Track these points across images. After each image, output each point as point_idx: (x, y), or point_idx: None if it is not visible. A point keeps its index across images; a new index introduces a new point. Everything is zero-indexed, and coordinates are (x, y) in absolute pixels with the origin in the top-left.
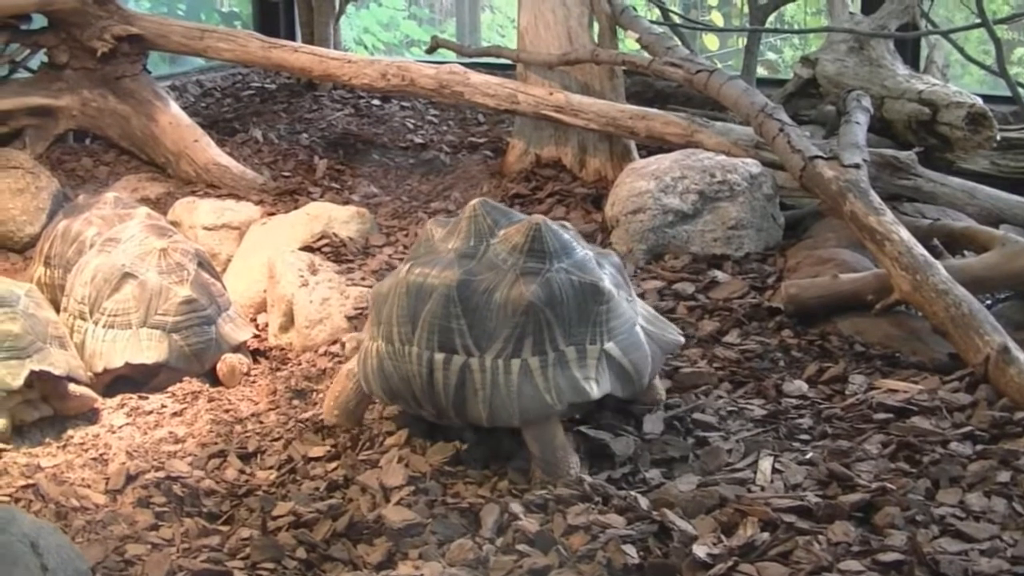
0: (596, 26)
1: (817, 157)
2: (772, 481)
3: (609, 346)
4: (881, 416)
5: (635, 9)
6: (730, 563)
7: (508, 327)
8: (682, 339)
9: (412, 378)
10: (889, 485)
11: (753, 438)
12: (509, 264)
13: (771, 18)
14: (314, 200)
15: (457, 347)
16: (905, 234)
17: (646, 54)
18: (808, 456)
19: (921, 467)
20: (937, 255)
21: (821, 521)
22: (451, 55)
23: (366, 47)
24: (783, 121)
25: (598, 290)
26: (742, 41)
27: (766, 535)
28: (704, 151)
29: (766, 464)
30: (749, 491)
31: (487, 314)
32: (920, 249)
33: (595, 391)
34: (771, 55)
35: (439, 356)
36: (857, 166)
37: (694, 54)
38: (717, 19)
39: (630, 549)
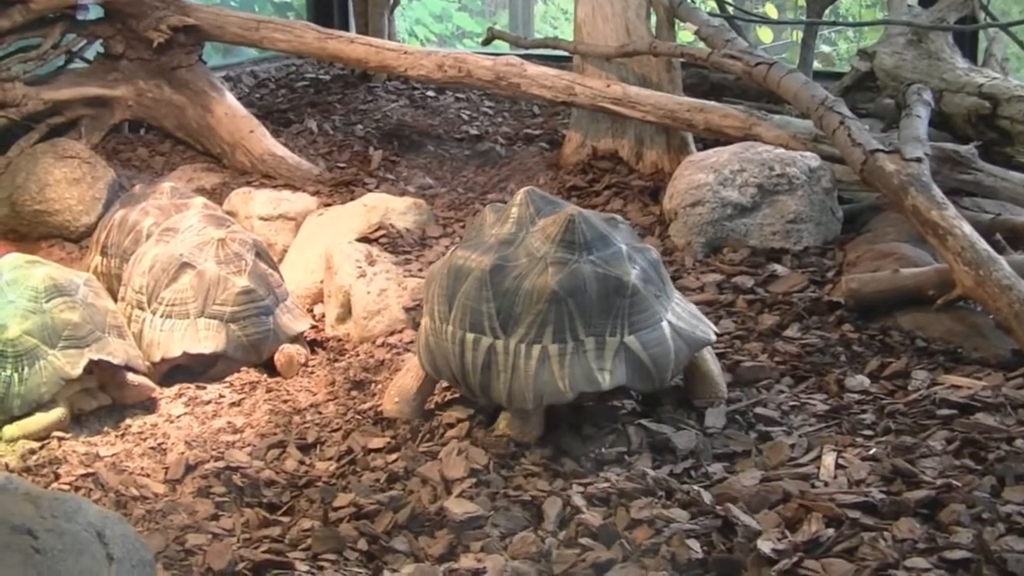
0: (654, 18)
1: (878, 151)
2: (836, 476)
3: (629, 339)
4: (945, 412)
5: (693, 1)
6: (795, 559)
7: (532, 313)
8: (713, 336)
9: (448, 355)
10: (954, 482)
11: (816, 433)
12: (542, 253)
13: (826, 11)
14: (369, 191)
15: (485, 329)
16: (968, 229)
17: (703, 46)
18: (872, 452)
19: (986, 464)
20: (1000, 250)
21: (886, 517)
22: (506, 46)
23: (418, 38)
24: (844, 114)
25: (622, 284)
26: (796, 34)
27: (831, 531)
28: (762, 144)
29: (829, 459)
30: (813, 486)
31: (515, 299)
32: (983, 244)
33: (607, 382)
34: (825, 48)
35: (470, 336)
36: (919, 160)
37: (753, 47)
38: (771, 11)
39: (694, 543)
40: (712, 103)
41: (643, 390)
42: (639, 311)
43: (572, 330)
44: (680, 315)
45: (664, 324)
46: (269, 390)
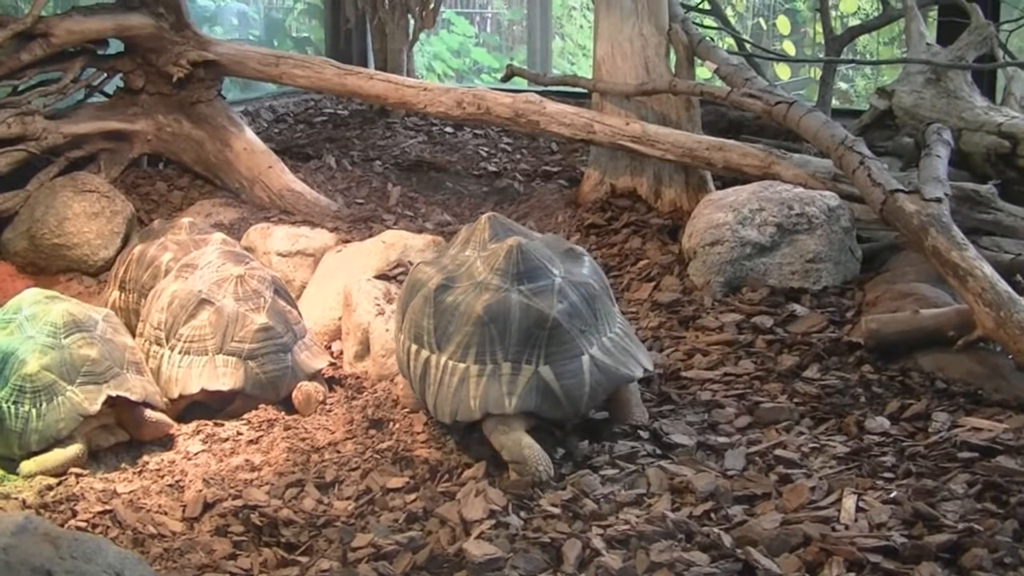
0: (673, 56)
1: (898, 191)
2: (856, 520)
3: (543, 369)
4: (966, 455)
5: (712, 39)
6: None
7: (461, 334)
8: (639, 374)
9: (402, 363)
10: (976, 526)
11: (836, 475)
12: (481, 278)
13: (844, 48)
14: (388, 228)
15: (424, 343)
16: (988, 270)
17: (722, 84)
18: (892, 495)
19: (1008, 508)
20: (1020, 291)
21: (908, 562)
22: (525, 83)
23: (436, 74)
24: (863, 154)
25: (543, 317)
26: (814, 71)
27: (852, 575)
28: (782, 183)
29: (850, 502)
30: (833, 530)
31: (451, 319)
32: (1004, 285)
33: (511, 406)
34: (843, 85)
35: (414, 347)
36: (939, 200)
37: (772, 85)
38: (789, 48)
39: None
40: (731, 142)
41: (554, 418)
42: (558, 343)
43: (492, 354)
44: (608, 350)
45: (584, 358)
46: (287, 428)
